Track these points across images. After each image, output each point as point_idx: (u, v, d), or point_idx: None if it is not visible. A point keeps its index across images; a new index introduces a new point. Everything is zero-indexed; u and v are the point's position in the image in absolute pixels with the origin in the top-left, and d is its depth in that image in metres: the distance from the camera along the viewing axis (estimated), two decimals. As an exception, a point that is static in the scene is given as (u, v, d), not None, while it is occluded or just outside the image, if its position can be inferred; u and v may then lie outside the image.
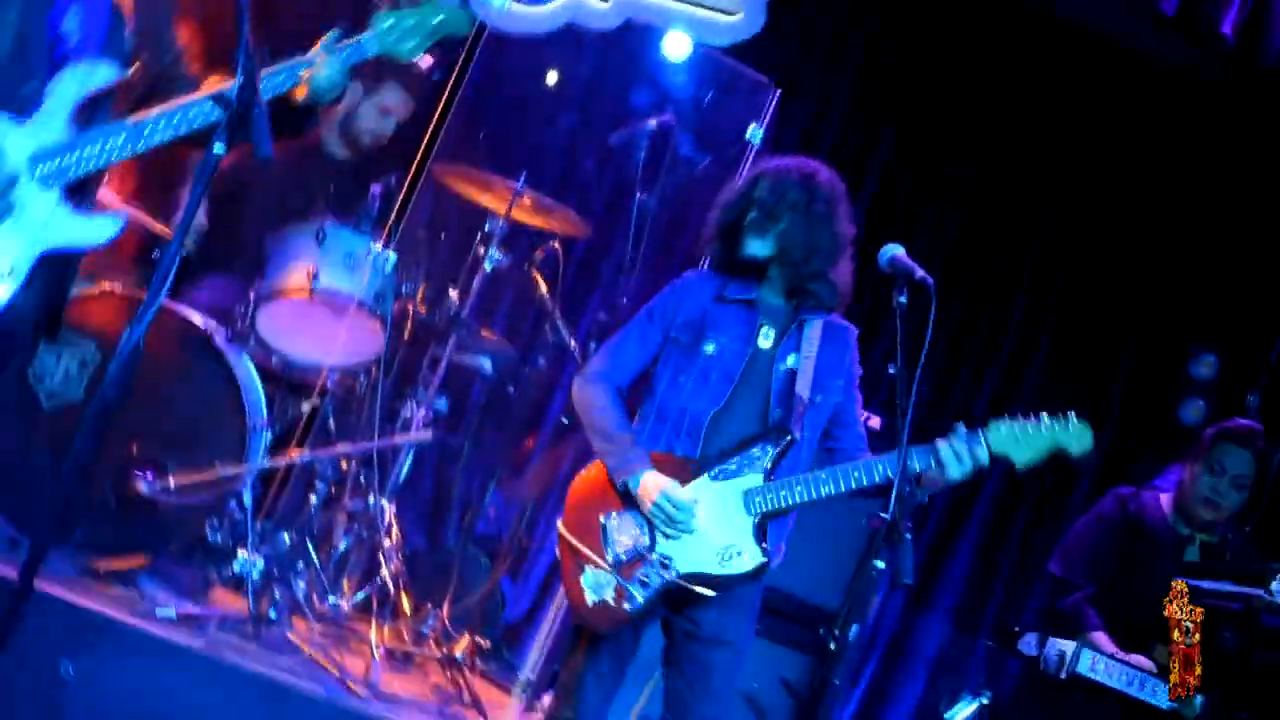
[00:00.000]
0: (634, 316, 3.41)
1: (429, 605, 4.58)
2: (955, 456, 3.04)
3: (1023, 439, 3.05)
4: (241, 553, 3.91)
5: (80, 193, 2.75)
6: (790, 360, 3.24)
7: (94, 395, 2.43)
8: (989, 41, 5.84)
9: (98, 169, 2.70)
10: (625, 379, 3.35)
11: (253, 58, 2.48)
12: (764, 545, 3.13)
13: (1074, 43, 5.74)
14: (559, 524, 3.26)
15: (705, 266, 3.57)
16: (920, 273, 3.00)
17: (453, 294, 4.63)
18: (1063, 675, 4.17)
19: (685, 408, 3.23)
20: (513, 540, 5.24)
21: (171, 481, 3.84)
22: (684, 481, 3.15)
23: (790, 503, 3.12)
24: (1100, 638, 4.30)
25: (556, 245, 4.98)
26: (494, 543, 5.29)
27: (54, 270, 2.77)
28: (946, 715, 4.59)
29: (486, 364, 5.04)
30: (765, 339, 3.27)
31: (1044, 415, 3.06)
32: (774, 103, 5.21)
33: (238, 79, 2.47)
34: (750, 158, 5.02)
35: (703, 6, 4.99)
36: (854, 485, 3.08)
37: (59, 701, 3.14)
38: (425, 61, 4.84)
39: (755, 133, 5.06)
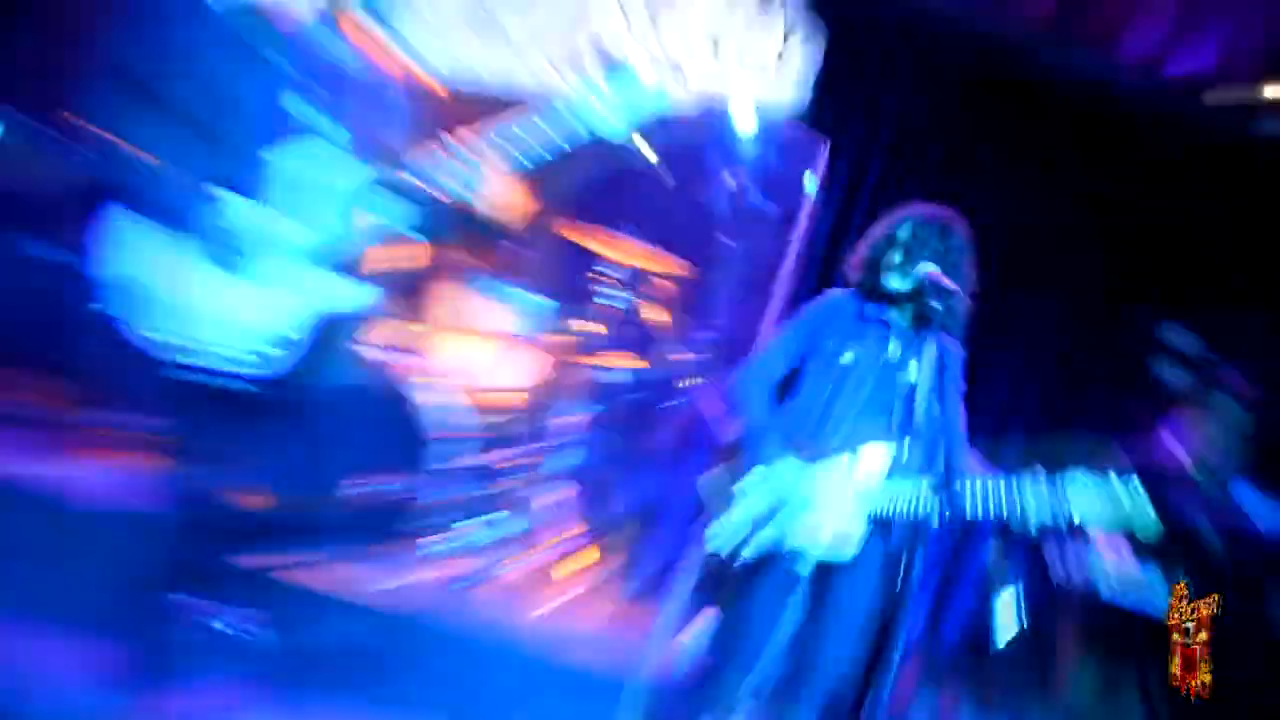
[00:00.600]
0: (782, 328, 3.73)
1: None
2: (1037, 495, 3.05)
3: (1099, 494, 2.96)
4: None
5: (352, 259, 2.91)
6: (911, 371, 3.49)
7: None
8: (1019, 101, 5.70)
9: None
10: (775, 379, 3.66)
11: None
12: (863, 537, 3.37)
13: (1097, 105, 5.65)
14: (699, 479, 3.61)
15: (845, 288, 3.76)
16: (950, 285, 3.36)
17: (589, 325, 5.49)
18: None
19: (822, 410, 3.53)
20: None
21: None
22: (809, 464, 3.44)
23: (901, 512, 3.29)
24: None
25: (667, 283, 5.73)
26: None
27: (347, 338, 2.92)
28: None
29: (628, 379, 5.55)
30: (894, 352, 3.57)
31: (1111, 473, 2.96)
32: (825, 154, 5.67)
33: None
34: (807, 204, 5.64)
35: (758, 91, 5.82)
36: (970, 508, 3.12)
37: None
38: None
39: (811, 182, 5.66)
